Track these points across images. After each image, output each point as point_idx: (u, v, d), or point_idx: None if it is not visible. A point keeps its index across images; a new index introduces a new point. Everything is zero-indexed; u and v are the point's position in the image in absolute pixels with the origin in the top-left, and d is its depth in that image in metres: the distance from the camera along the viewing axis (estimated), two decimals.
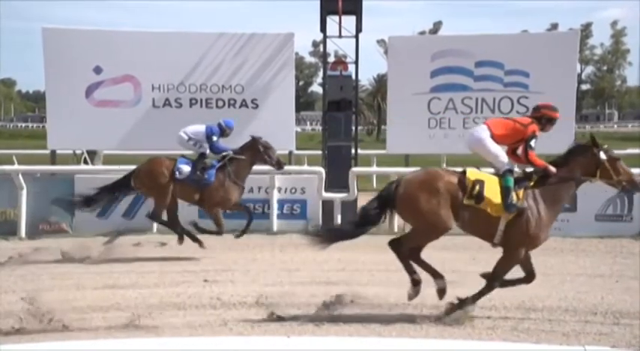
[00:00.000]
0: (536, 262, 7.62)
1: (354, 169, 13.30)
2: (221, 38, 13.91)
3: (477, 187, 7.26)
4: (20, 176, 12.59)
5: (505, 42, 14.14)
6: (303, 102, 76.77)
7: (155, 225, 12.13)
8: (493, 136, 7.52)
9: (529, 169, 7.57)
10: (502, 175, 7.38)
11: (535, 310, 7.77)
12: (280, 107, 13.83)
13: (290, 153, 14.27)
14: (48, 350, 4.96)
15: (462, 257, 9.91)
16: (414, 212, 7.38)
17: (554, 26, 61.98)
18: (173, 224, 11.05)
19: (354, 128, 14.32)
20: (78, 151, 16.22)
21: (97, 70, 13.75)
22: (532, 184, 7.42)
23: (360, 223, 7.57)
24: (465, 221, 7.35)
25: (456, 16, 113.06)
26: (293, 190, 13.09)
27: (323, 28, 14.08)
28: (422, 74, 13.80)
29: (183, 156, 11.13)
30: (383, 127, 48.75)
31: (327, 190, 12.84)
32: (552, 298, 8.16)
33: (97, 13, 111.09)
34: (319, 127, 44.94)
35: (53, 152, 14.56)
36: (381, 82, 58.66)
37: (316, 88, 79.12)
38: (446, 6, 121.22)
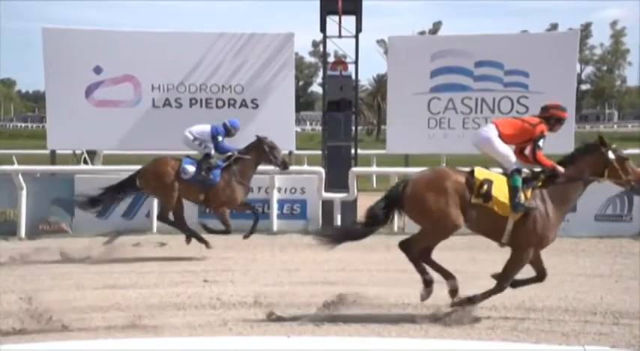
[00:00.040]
0: None
1: (354, 169, 13.28)
2: (221, 38, 13.90)
3: (485, 186, 7.25)
4: (20, 176, 12.59)
5: (505, 42, 14.13)
6: (303, 102, 76.71)
7: (155, 225, 12.13)
8: (501, 136, 7.51)
9: (537, 169, 7.56)
10: (510, 175, 7.37)
11: (535, 310, 7.77)
12: (280, 107, 13.82)
13: (290, 153, 14.27)
14: (48, 350, 4.97)
15: (462, 257, 9.90)
16: (423, 212, 7.36)
17: (554, 26, 61.93)
18: (180, 224, 11.05)
19: (353, 128, 14.32)
20: (78, 151, 16.20)
21: (97, 70, 13.73)
22: (540, 183, 7.41)
23: (368, 223, 7.54)
24: (473, 220, 7.33)
25: (456, 16, 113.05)
26: (293, 190, 13.09)
27: (323, 28, 14.07)
28: (422, 74, 13.79)
29: (188, 156, 11.14)
30: (383, 127, 48.69)
31: (327, 190, 12.83)
32: (552, 298, 8.14)
33: (97, 13, 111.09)
34: (319, 127, 44.86)
35: (53, 152, 14.56)
36: (380, 82, 58.64)
37: (316, 88, 79.16)
38: (446, 6, 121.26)
